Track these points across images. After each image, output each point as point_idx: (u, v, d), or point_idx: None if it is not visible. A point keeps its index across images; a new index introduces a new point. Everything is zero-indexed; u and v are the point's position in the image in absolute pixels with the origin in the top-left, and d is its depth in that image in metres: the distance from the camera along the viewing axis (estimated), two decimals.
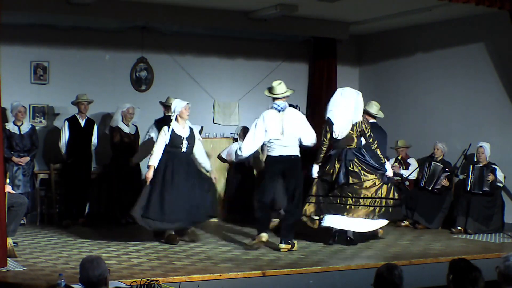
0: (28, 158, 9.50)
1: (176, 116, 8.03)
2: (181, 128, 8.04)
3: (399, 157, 10.73)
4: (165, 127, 7.99)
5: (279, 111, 7.82)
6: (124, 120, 9.86)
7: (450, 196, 10.10)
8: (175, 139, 7.96)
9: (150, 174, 7.84)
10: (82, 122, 9.71)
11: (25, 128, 9.59)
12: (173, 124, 7.99)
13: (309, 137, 7.93)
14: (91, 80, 10.48)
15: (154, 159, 7.90)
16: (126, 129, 9.82)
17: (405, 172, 10.56)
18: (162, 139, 7.94)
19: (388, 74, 12.07)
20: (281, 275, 6.41)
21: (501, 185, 9.72)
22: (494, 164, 9.70)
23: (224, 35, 11.39)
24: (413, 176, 10.53)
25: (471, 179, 9.70)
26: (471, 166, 9.75)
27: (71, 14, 9.66)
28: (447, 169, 10.02)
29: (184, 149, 8.02)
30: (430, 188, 10.03)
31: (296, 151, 7.85)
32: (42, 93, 10.29)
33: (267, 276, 6.33)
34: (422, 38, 11.44)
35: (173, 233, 8.04)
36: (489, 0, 8.51)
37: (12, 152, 9.39)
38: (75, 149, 9.59)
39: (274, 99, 7.87)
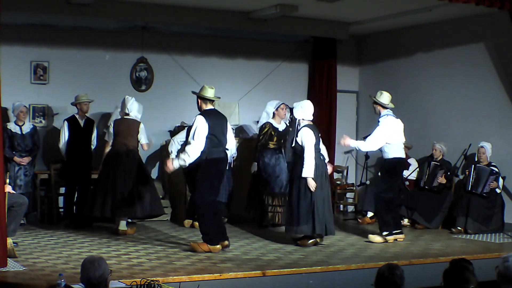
0: (29, 158, 9.49)
1: None
2: None
3: None
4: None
5: (396, 117, 8.64)
6: None
7: (450, 196, 10.09)
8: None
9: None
10: (82, 122, 9.70)
11: (27, 128, 9.59)
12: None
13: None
14: (91, 80, 10.47)
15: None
16: None
17: (405, 172, 10.55)
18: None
19: (388, 74, 12.06)
20: (281, 275, 6.42)
21: (498, 191, 9.70)
22: (495, 166, 9.68)
23: (224, 35, 11.37)
24: (413, 176, 10.53)
25: (472, 178, 9.70)
26: (473, 166, 9.76)
27: (71, 14, 9.66)
28: (444, 167, 10.03)
29: None
30: (428, 187, 10.04)
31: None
32: (42, 93, 10.29)
33: (267, 276, 6.34)
34: (422, 38, 11.43)
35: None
36: (489, 0, 8.50)
37: (14, 152, 9.40)
38: (75, 149, 9.57)
39: (384, 107, 8.59)
